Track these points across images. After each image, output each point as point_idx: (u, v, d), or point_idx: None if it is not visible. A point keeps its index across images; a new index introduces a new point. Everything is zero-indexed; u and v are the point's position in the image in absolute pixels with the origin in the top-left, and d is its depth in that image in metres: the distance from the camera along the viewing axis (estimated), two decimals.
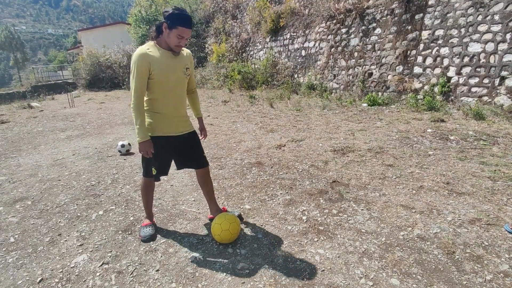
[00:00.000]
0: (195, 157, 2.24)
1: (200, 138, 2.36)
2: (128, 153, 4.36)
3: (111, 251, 2.08)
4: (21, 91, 16.68)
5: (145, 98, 2.01)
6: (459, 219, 2.27)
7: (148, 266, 1.91)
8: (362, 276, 1.74)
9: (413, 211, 2.41)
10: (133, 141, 5.05)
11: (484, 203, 2.48)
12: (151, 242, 2.15)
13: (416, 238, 2.07)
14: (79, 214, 2.64)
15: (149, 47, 1.92)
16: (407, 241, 2.04)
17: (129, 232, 2.31)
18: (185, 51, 2.10)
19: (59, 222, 2.52)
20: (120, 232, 2.32)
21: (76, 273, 1.87)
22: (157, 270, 1.87)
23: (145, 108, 2.00)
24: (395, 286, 1.65)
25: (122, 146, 4.31)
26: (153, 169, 2.11)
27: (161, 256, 2.00)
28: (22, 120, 7.82)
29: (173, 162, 2.25)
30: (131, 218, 2.52)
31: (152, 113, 2.03)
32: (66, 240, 2.24)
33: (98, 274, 1.86)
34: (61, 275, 1.86)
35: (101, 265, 1.93)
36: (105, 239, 2.23)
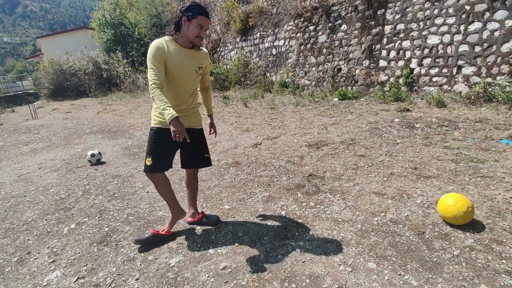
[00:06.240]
0: (198, 156, 2.21)
1: (210, 134, 2.44)
2: (98, 162, 4.19)
3: (86, 265, 1.99)
4: None
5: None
6: (427, 201, 2.40)
7: (127, 275, 1.85)
8: (341, 263, 1.79)
9: (385, 197, 2.53)
10: (103, 149, 4.87)
11: (449, 184, 2.65)
12: (130, 252, 2.09)
13: (389, 222, 2.17)
14: (49, 229, 2.50)
15: (165, 41, 1.90)
16: (381, 225, 2.13)
17: (105, 243, 2.22)
18: (203, 50, 2.06)
19: (28, 239, 2.37)
20: (95, 244, 2.23)
21: None
22: (137, 279, 1.82)
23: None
24: (372, 270, 1.72)
25: (92, 155, 4.14)
26: (148, 158, 1.97)
27: (140, 265, 1.95)
28: None
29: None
30: (106, 229, 2.43)
31: None
32: (36, 258, 2.12)
33: None
34: None
35: (76, 280, 1.85)
36: (79, 253, 2.14)
